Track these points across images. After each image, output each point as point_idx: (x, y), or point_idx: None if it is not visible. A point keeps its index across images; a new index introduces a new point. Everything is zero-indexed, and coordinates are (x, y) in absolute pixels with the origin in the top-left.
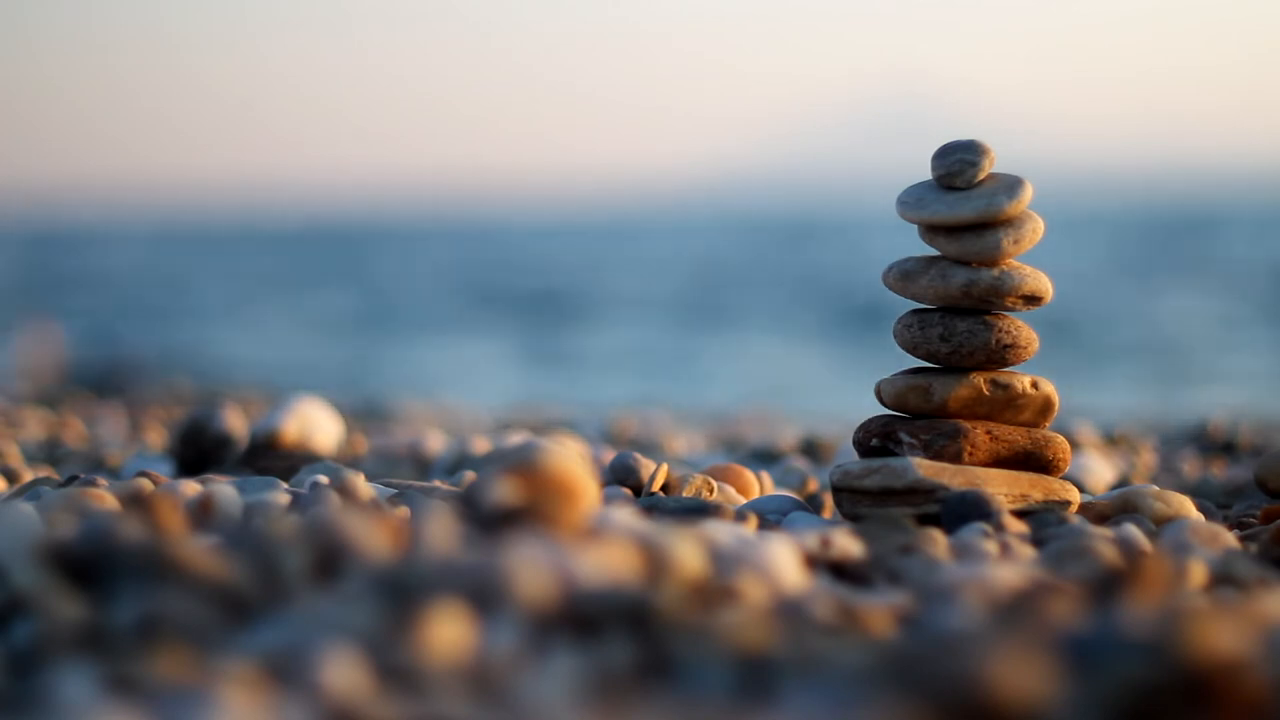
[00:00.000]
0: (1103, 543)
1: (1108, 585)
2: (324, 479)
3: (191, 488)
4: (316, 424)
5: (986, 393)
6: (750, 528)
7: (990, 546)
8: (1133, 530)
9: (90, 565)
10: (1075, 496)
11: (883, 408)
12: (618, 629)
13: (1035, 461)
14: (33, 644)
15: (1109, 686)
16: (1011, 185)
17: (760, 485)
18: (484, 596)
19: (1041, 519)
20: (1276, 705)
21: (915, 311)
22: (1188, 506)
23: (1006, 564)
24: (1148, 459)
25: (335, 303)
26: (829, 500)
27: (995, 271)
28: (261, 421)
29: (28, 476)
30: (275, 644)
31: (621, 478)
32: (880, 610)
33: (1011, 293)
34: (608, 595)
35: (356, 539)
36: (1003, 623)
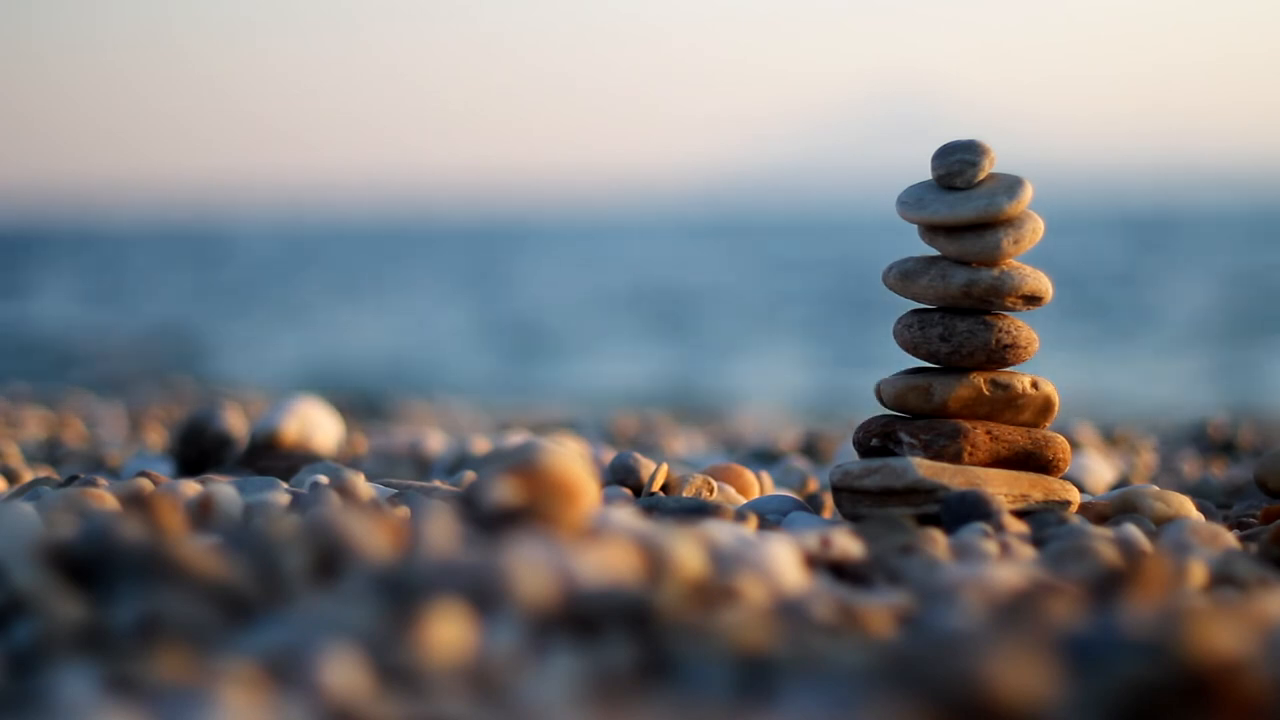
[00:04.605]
0: (1103, 543)
1: (1108, 585)
2: (324, 479)
3: (191, 488)
4: (316, 424)
5: (986, 393)
6: (750, 528)
7: (990, 546)
8: (1133, 530)
9: (90, 565)
10: (1075, 496)
11: (883, 408)
12: (618, 629)
13: (1035, 461)
14: (33, 644)
15: (1109, 686)
16: (1011, 185)
17: (760, 485)
18: (484, 596)
19: (1041, 519)
20: (1276, 705)
21: (915, 311)
22: (1188, 506)
23: (1006, 564)
24: (1148, 459)
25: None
26: (829, 500)
27: (995, 271)
28: (261, 421)
29: (28, 476)
30: (275, 644)
31: (621, 478)
32: (880, 610)
33: (1012, 293)
34: (608, 595)
35: (356, 539)
36: (1003, 623)
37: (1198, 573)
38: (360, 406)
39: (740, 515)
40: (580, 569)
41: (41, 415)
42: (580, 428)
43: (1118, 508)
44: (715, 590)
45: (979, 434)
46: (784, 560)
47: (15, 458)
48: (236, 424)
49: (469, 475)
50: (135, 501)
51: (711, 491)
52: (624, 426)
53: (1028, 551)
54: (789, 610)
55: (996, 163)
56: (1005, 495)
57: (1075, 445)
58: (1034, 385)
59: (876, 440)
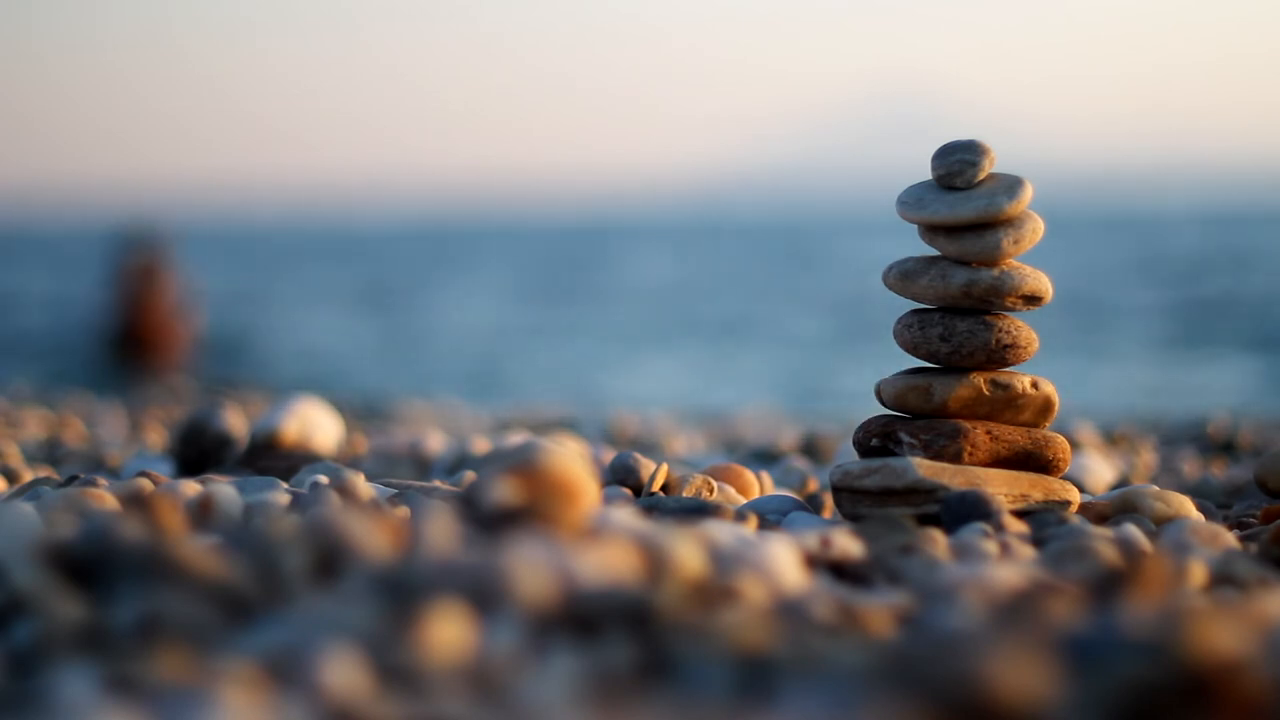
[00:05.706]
0: (1103, 543)
1: (1108, 585)
2: (324, 479)
3: (191, 488)
4: (316, 424)
5: (986, 393)
6: (750, 528)
7: (990, 546)
8: (1133, 530)
9: (90, 565)
10: (1075, 496)
11: (883, 408)
12: (618, 629)
13: (1035, 461)
14: (33, 644)
15: (1109, 686)
16: (1011, 185)
17: (760, 485)
18: (484, 596)
19: (1041, 519)
20: (1276, 705)
21: (915, 311)
22: (1188, 506)
23: (1006, 564)
24: (1148, 459)
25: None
26: (829, 500)
27: (995, 271)
28: (261, 421)
29: (28, 476)
30: (275, 644)
31: (621, 478)
32: (880, 610)
33: (1012, 293)
34: (608, 595)
35: (356, 539)
36: (1003, 623)
37: (1198, 573)
38: (360, 406)
39: (740, 515)
40: (580, 569)
41: (41, 415)
42: (580, 428)
43: (1118, 508)
44: (715, 590)
45: (979, 434)
46: (784, 560)
47: (15, 458)
48: (236, 424)
49: (469, 475)
50: (135, 501)
51: (711, 491)
52: (624, 426)
53: (1028, 551)
54: (789, 610)
55: (996, 163)
56: (1005, 495)
57: (1075, 445)
58: (1034, 385)
59: (876, 440)
